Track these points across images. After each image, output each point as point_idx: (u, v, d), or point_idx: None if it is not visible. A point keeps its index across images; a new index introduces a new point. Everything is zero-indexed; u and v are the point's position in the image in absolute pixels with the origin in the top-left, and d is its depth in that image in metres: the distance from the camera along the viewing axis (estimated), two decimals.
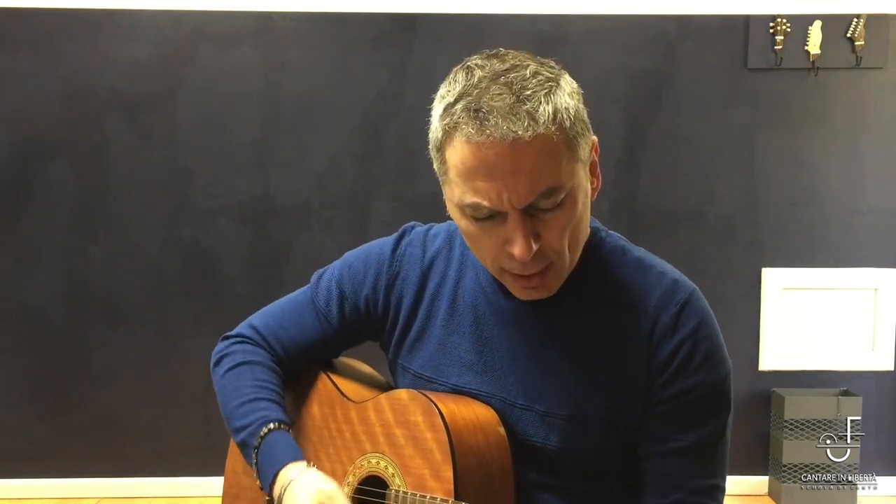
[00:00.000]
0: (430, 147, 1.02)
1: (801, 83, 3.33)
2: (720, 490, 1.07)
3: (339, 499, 1.06)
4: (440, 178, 1.03)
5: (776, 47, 3.29)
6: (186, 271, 3.36)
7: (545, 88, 0.94)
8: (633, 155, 3.35)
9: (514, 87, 0.93)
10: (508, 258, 0.99)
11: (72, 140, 3.30)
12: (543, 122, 0.92)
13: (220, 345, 1.28)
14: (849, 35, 3.29)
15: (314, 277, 1.26)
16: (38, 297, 3.34)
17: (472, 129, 0.92)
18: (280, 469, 1.11)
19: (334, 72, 3.32)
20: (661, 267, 1.10)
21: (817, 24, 3.28)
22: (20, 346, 3.34)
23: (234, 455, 1.29)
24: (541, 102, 0.93)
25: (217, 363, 1.26)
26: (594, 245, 1.10)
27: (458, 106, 0.94)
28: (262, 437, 1.14)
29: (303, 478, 1.08)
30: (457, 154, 0.96)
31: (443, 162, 1.00)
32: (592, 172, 1.04)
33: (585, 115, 1.00)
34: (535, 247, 0.97)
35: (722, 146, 3.37)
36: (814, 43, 3.28)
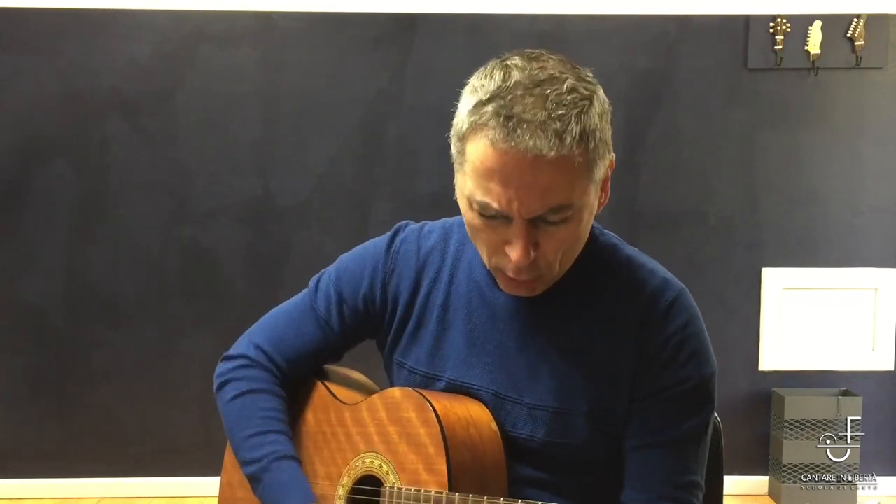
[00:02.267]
0: (451, 132, 1.02)
1: (801, 83, 3.33)
2: (699, 488, 1.08)
3: None
4: (455, 164, 1.03)
5: (776, 47, 3.29)
6: (186, 271, 3.36)
7: (578, 108, 0.94)
8: (633, 155, 3.35)
9: (549, 101, 0.93)
10: (504, 257, 1.01)
11: (72, 140, 3.30)
12: (569, 144, 0.93)
13: (223, 366, 1.26)
14: (849, 35, 3.29)
15: (311, 283, 1.25)
16: (38, 297, 3.34)
17: (499, 134, 0.93)
18: None
19: (334, 72, 3.32)
20: (652, 266, 1.12)
21: (817, 24, 3.28)
22: (20, 346, 3.34)
23: (228, 468, 1.29)
24: (570, 122, 0.93)
25: (221, 387, 1.25)
26: (588, 241, 1.11)
27: (490, 107, 0.94)
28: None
29: None
30: (478, 152, 0.96)
31: (462, 152, 1.00)
32: (603, 188, 1.05)
33: (609, 136, 1.00)
34: (532, 254, 0.99)
35: (722, 146, 3.37)
36: (814, 43, 3.28)
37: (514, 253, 0.98)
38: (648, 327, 1.06)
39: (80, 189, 3.32)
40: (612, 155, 1.03)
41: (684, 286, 1.10)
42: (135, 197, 3.33)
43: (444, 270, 1.18)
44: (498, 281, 1.08)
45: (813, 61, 3.30)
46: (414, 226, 1.23)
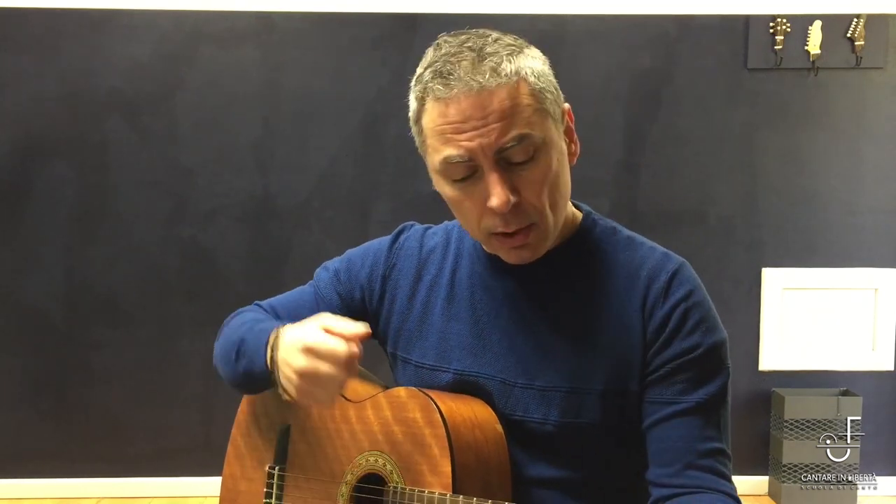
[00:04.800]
0: (410, 125, 1.06)
1: (801, 83, 3.33)
2: (726, 455, 1.07)
3: (317, 336, 1.01)
4: (421, 153, 1.07)
5: (776, 47, 3.29)
6: (186, 271, 3.36)
7: (507, 50, 0.99)
8: (633, 155, 3.35)
9: (476, 47, 0.98)
10: (491, 216, 1.02)
11: (72, 140, 3.30)
12: (506, 75, 0.97)
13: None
14: (849, 35, 3.29)
15: (316, 271, 1.29)
16: (38, 297, 3.34)
17: (440, 85, 0.98)
18: (266, 339, 1.11)
19: (334, 72, 3.32)
20: (651, 244, 1.13)
21: (817, 24, 3.28)
22: (20, 346, 3.34)
23: (230, 460, 1.30)
24: (503, 60, 0.98)
25: (218, 338, 1.27)
26: (586, 226, 1.14)
27: (427, 73, 1.00)
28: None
29: (286, 334, 1.08)
30: (429, 116, 1.00)
31: (420, 132, 1.04)
32: (570, 138, 1.07)
33: (554, 81, 1.04)
34: (512, 199, 0.99)
35: (722, 146, 3.37)
36: (814, 43, 3.28)
37: (494, 198, 0.99)
38: (652, 301, 1.07)
39: (80, 189, 3.32)
40: (567, 104, 1.06)
41: (685, 260, 1.11)
42: (135, 197, 3.33)
43: (446, 266, 1.19)
44: (499, 254, 1.09)
45: (813, 61, 3.30)
46: (419, 226, 1.26)
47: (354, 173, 3.35)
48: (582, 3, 3.30)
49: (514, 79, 0.97)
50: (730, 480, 1.07)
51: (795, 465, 3.21)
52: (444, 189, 1.04)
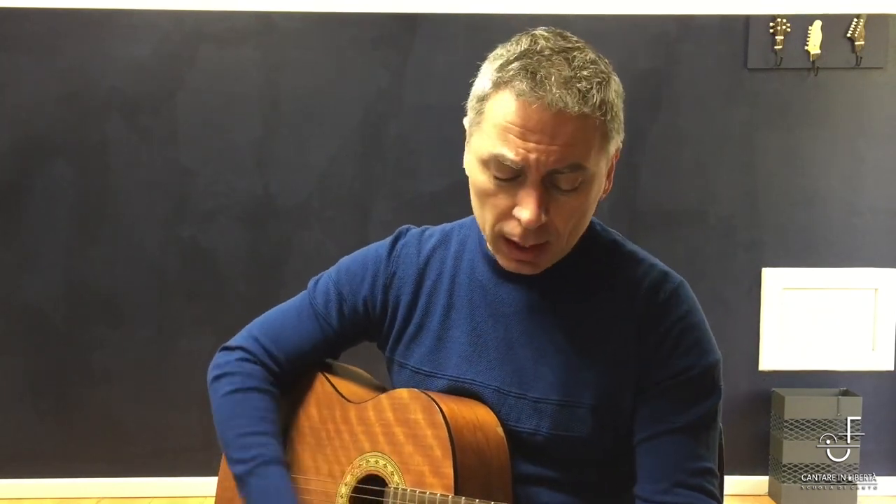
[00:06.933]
0: (469, 99, 1.04)
1: (801, 83, 3.33)
2: (714, 475, 1.08)
3: None
4: (469, 131, 1.05)
5: (776, 47, 3.29)
6: (186, 271, 3.36)
7: (599, 78, 0.98)
8: (633, 155, 3.35)
9: (575, 63, 0.97)
10: (512, 223, 1.01)
11: (72, 140, 3.30)
12: (591, 105, 0.96)
13: (220, 357, 1.28)
14: (849, 35, 3.29)
15: (311, 283, 1.27)
16: (38, 297, 3.34)
17: (526, 86, 0.96)
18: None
19: (334, 72, 3.32)
20: (652, 260, 1.13)
21: (817, 24, 3.28)
22: (20, 346, 3.34)
23: (226, 464, 1.30)
24: (593, 87, 0.97)
25: (216, 379, 1.27)
26: (589, 237, 1.13)
27: (516, 64, 0.98)
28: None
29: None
30: (501, 106, 0.98)
31: (480, 112, 1.02)
32: (608, 174, 1.07)
33: (623, 118, 1.03)
34: (543, 219, 0.99)
35: (722, 146, 3.37)
36: (814, 43, 3.28)
37: (526, 212, 0.99)
38: (649, 319, 1.07)
39: (80, 189, 3.32)
40: (621, 144, 1.06)
41: (683, 279, 1.11)
42: (135, 197, 3.33)
43: (444, 272, 1.18)
44: (500, 257, 1.08)
45: (813, 61, 3.30)
46: (415, 230, 1.25)
47: (354, 173, 3.35)
48: (582, 3, 3.30)
49: (597, 112, 0.97)
50: (717, 500, 1.07)
51: (795, 465, 3.21)
52: (479, 177, 1.03)
